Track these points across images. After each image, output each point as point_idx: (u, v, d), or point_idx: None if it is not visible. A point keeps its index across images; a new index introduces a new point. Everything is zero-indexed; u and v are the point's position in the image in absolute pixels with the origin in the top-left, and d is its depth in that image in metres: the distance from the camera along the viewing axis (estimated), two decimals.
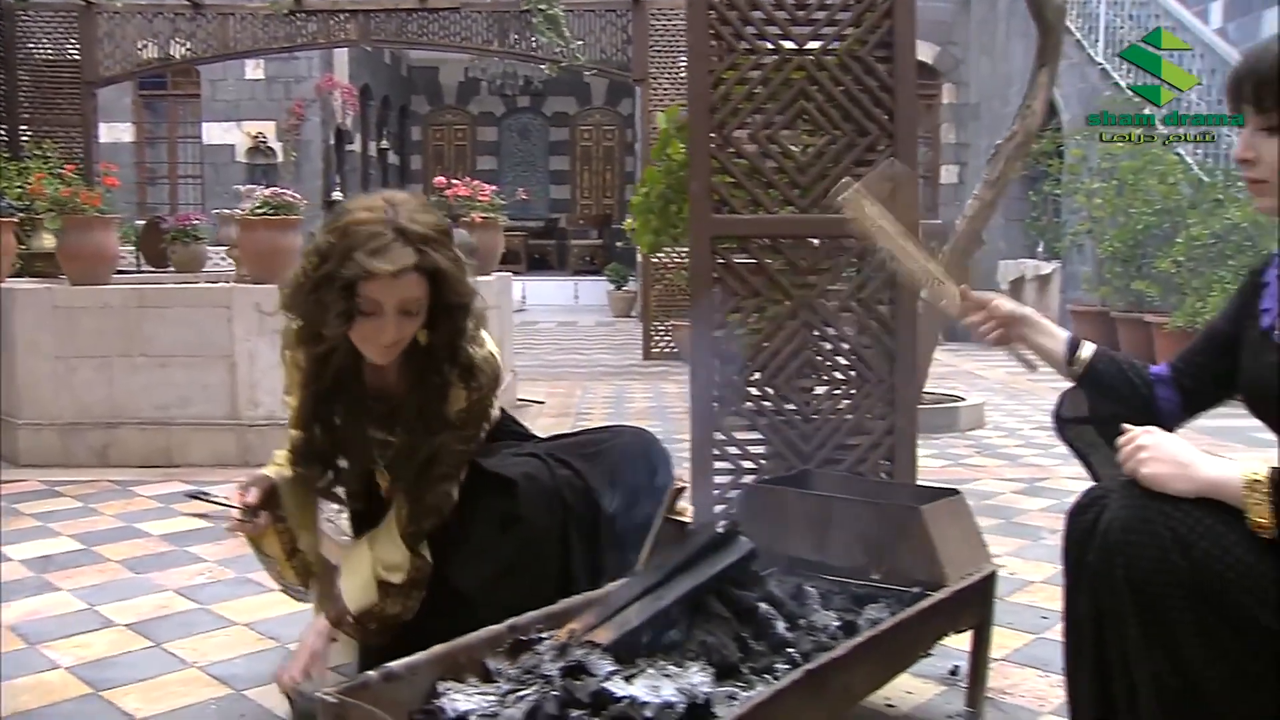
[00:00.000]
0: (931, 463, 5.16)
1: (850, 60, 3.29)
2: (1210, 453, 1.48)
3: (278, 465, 2.21)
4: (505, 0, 9.80)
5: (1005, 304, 1.94)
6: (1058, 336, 1.91)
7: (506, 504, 2.14)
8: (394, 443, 2.13)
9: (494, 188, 6.60)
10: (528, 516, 2.13)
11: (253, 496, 2.10)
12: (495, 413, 2.29)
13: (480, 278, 6.03)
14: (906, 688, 2.38)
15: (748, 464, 3.34)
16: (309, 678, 2.03)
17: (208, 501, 1.94)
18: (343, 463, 2.21)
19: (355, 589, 2.08)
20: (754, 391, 3.33)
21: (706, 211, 3.28)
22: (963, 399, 6.32)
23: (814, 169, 3.30)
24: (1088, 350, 1.88)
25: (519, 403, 6.96)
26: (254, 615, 2.94)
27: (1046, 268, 12.48)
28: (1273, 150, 1.50)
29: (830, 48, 3.31)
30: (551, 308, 17.06)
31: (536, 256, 19.62)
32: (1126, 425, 1.57)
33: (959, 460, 5.25)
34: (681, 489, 1.89)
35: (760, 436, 3.37)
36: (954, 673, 2.41)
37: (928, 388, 6.38)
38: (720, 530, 1.77)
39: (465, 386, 2.08)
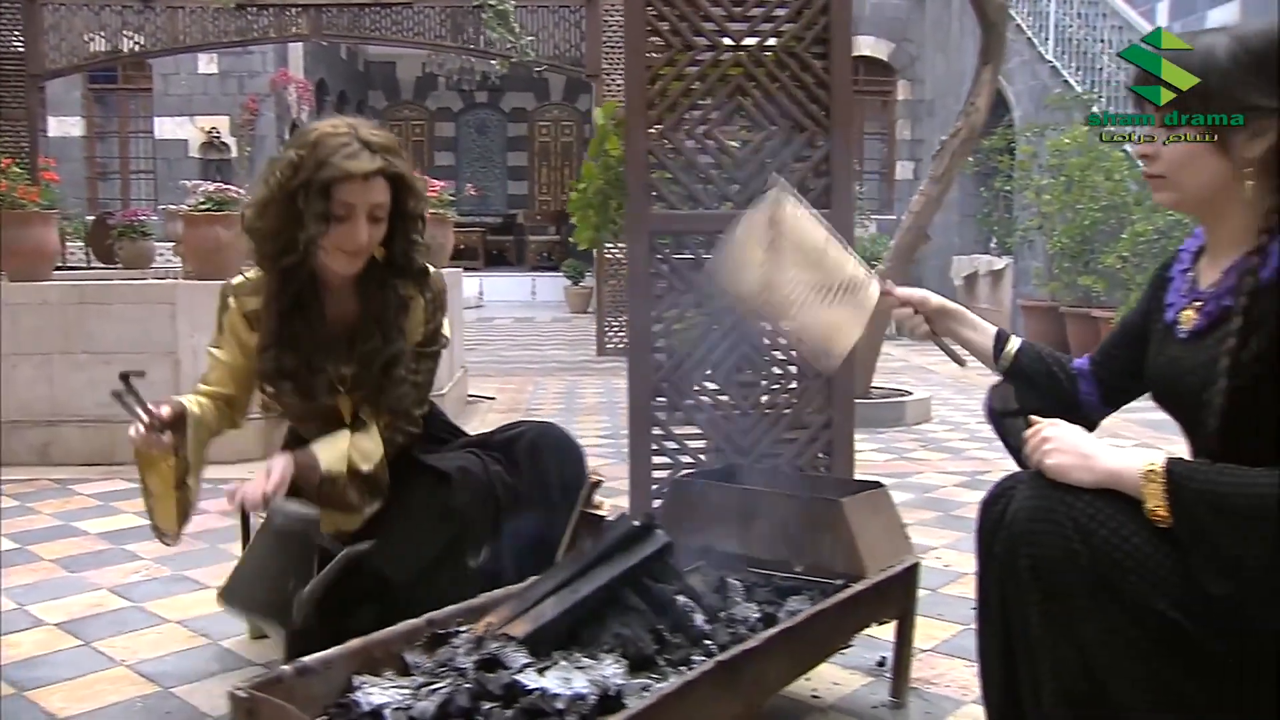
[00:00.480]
0: (876, 457, 5.21)
1: (787, 56, 3.31)
2: (1150, 445, 1.51)
3: (195, 398, 2.21)
4: None
5: (932, 299, 1.96)
6: (985, 331, 1.94)
7: (440, 496, 2.16)
8: (351, 374, 2.22)
9: (444, 184, 6.57)
10: (460, 509, 2.15)
11: (166, 412, 2.07)
12: (446, 334, 2.39)
13: None
14: (833, 679, 2.41)
15: (686, 459, 3.36)
16: (266, 501, 2.02)
17: (131, 395, 1.89)
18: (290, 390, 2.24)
19: (329, 453, 2.13)
20: (692, 386, 3.34)
21: (644, 207, 3.29)
22: (910, 393, 6.38)
23: (751, 164, 3.32)
24: (1014, 345, 1.91)
25: (470, 399, 6.95)
26: (187, 612, 2.92)
27: (999, 263, 12.61)
28: (1174, 146, 1.53)
29: (767, 44, 3.33)
30: (509, 304, 17.03)
31: (494, 252, 19.59)
32: (1034, 418, 1.60)
33: (903, 454, 5.29)
34: (597, 483, 1.90)
35: (699, 431, 3.39)
36: (881, 664, 2.43)
37: (876, 382, 6.45)
38: (636, 524, 1.78)
39: (421, 294, 2.25)
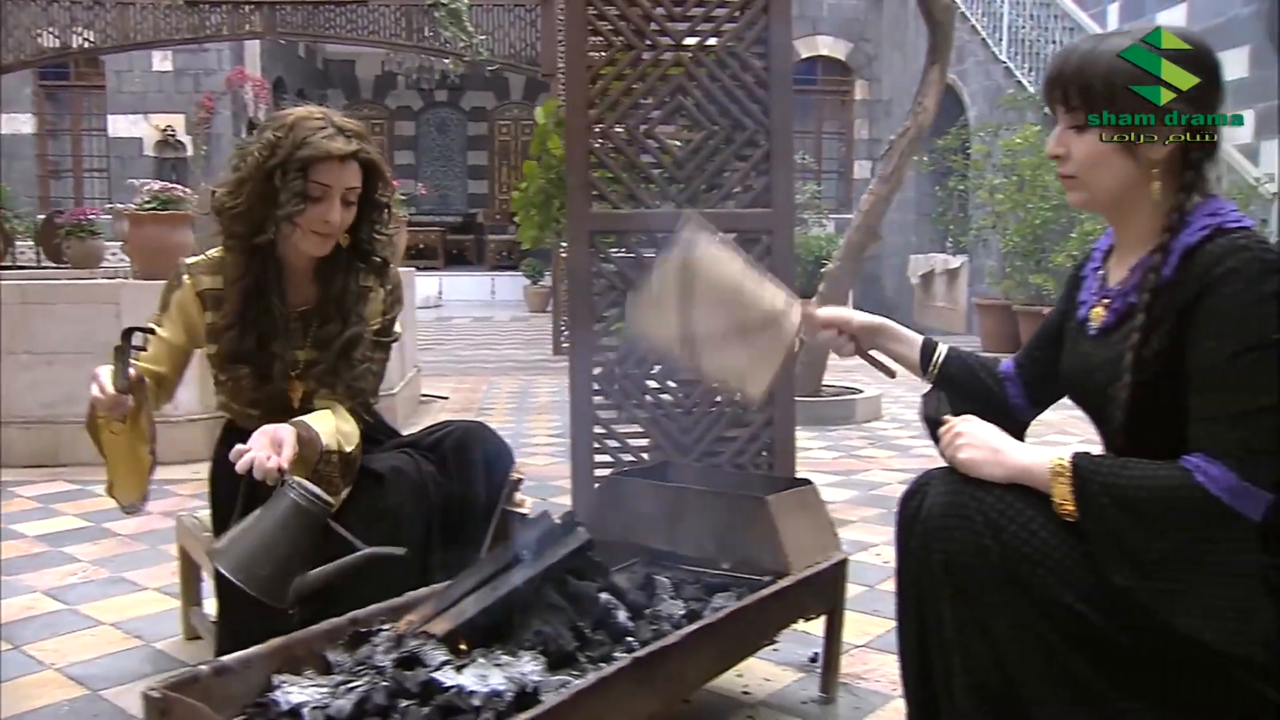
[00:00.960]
0: (824, 454, 5.24)
1: (727, 56, 3.33)
2: (1093, 442, 1.54)
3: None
4: None
5: (855, 317, 1.96)
6: (912, 342, 1.95)
7: (375, 497, 2.15)
8: (306, 359, 2.23)
9: (397, 183, 6.53)
10: (393, 508, 2.14)
11: (134, 372, 2.01)
12: (398, 329, 2.42)
13: None
14: (765, 675, 2.43)
15: (628, 457, 3.37)
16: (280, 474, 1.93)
17: (125, 353, 1.82)
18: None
19: (324, 429, 2.11)
20: (634, 384, 3.36)
21: (585, 206, 3.30)
22: (861, 391, 6.42)
23: (691, 163, 3.34)
24: (941, 353, 1.92)
25: (423, 398, 6.93)
26: (123, 614, 2.90)
27: (954, 262, 12.72)
28: (1082, 146, 1.56)
29: (708, 43, 3.35)
30: (468, 303, 16.98)
31: (454, 252, 19.51)
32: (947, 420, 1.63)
33: (851, 452, 5.33)
34: (519, 480, 1.90)
35: (641, 429, 3.41)
36: (814, 660, 2.45)
37: (827, 380, 6.48)
38: (557, 521, 1.79)
39: (381, 285, 2.30)
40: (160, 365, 2.21)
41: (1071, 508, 1.44)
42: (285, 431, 2.01)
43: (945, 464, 1.60)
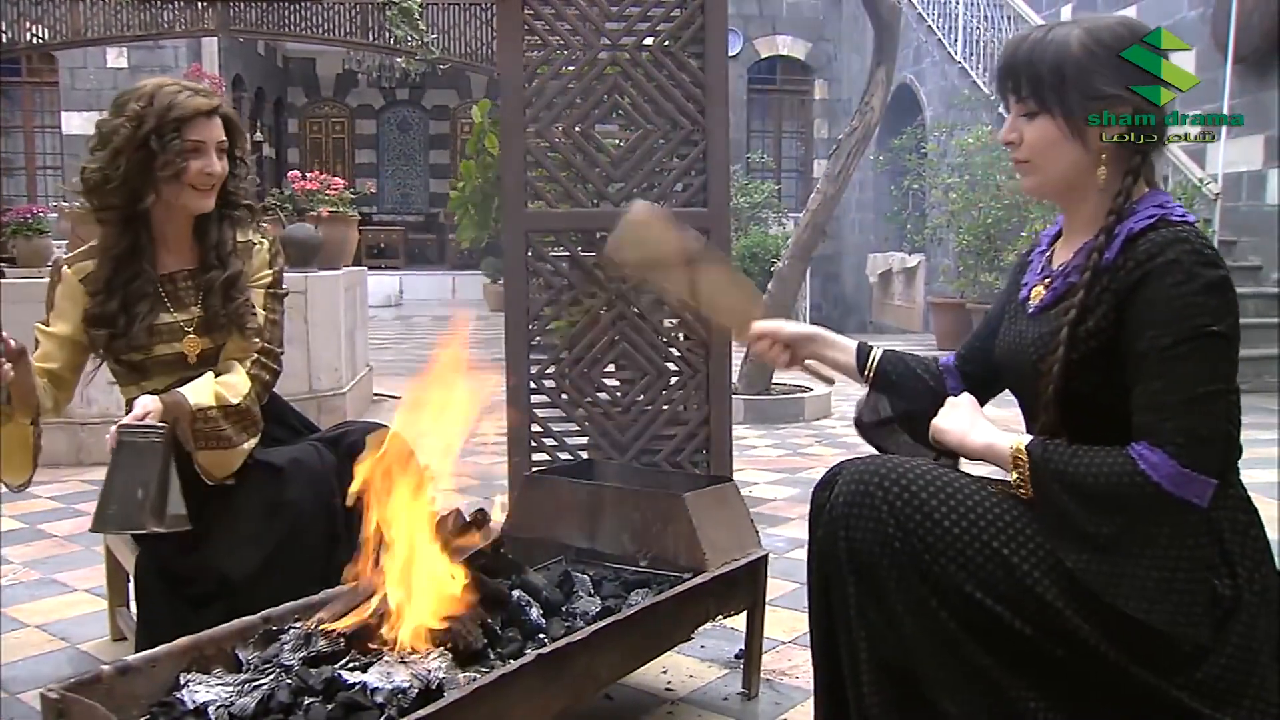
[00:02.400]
0: (770, 452, 5.27)
1: (663, 56, 3.35)
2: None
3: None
4: None
5: (785, 328, 1.98)
6: (847, 348, 1.96)
7: (272, 490, 2.17)
8: (197, 319, 2.29)
9: (344, 182, 6.51)
10: (293, 500, 2.16)
11: (15, 343, 2.02)
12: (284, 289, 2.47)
13: (328, 271, 5.97)
14: (690, 671, 2.44)
15: (566, 455, 3.38)
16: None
17: None
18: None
19: (194, 390, 2.17)
20: (570, 383, 3.37)
21: (521, 205, 3.31)
22: (810, 389, 6.45)
23: (628, 163, 3.35)
24: (876, 355, 1.94)
25: (375, 397, 6.90)
26: (50, 616, 2.88)
27: (912, 261, 12.81)
28: (1033, 133, 1.59)
29: (644, 43, 3.36)
30: (429, 302, 16.88)
31: (415, 251, 19.42)
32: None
33: (798, 450, 5.36)
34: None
35: (578, 427, 3.42)
36: (739, 656, 2.47)
37: (777, 379, 6.51)
38: (467, 519, 1.80)
39: (264, 239, 2.40)
40: (54, 362, 2.23)
41: (1026, 490, 1.51)
42: (142, 399, 2.11)
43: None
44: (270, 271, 2.39)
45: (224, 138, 2.26)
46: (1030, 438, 1.55)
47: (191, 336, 2.28)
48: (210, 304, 2.28)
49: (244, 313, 2.29)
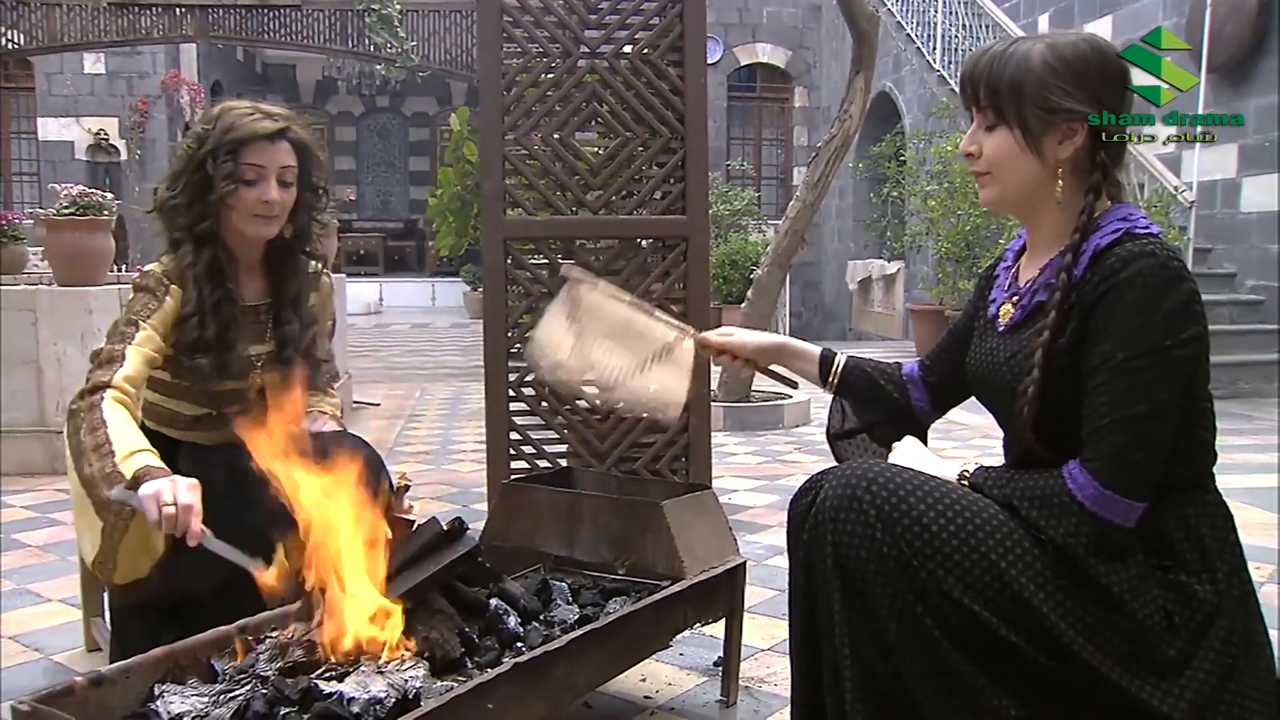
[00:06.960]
0: (749, 459, 5.27)
1: (642, 64, 3.35)
2: None
3: (122, 409, 1.99)
4: None
5: (748, 340, 1.99)
6: (810, 357, 1.97)
7: (238, 503, 2.13)
8: (267, 353, 2.28)
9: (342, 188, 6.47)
10: (261, 509, 2.12)
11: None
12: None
13: None
14: (669, 679, 2.44)
15: (545, 463, 3.38)
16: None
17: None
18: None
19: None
20: (549, 391, 3.36)
21: (499, 213, 3.31)
22: (790, 396, 6.46)
23: (606, 170, 3.35)
24: (839, 364, 1.95)
25: (354, 405, 6.88)
26: (23, 627, 2.85)
27: (891, 268, 12.85)
28: (992, 145, 1.60)
29: (623, 51, 3.37)
30: (409, 309, 16.86)
31: (395, 258, 19.39)
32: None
33: (777, 456, 5.37)
34: (404, 487, 1.90)
35: (557, 435, 3.42)
36: (718, 664, 2.46)
37: (756, 385, 6.52)
38: (444, 527, 1.79)
39: (328, 274, 2.40)
40: (139, 382, 2.11)
41: None
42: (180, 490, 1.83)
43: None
44: (333, 317, 2.44)
45: (291, 163, 2.18)
46: (976, 465, 1.59)
47: (259, 374, 2.26)
48: (286, 357, 2.27)
49: (318, 356, 2.31)
